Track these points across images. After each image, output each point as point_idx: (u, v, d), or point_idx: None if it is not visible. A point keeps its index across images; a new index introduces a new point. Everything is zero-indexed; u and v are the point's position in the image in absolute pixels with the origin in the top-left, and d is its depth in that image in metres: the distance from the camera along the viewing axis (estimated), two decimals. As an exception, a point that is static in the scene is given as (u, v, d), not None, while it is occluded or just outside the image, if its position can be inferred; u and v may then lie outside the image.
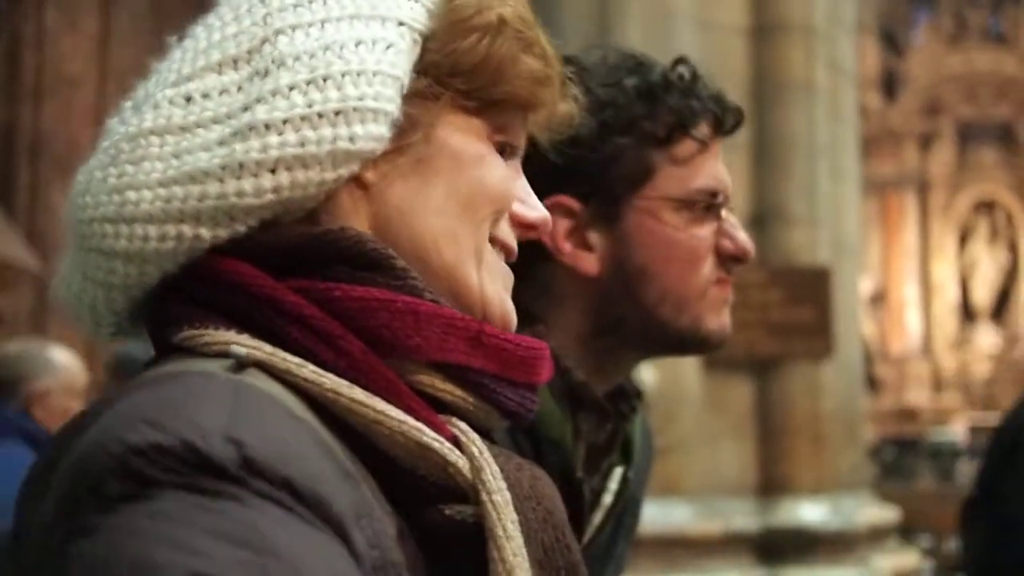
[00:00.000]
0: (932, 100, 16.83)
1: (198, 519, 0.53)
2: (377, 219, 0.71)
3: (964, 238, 17.04)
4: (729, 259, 1.20)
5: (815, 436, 5.54)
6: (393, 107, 0.71)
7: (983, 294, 16.94)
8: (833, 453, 5.37)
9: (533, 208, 0.79)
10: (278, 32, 0.70)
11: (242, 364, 0.63)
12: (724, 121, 1.19)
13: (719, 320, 1.20)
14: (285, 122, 0.68)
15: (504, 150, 0.77)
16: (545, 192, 1.15)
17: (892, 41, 17.25)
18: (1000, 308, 16.98)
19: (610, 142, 1.13)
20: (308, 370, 0.64)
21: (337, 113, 0.69)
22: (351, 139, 0.69)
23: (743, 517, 5.14)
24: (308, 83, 0.69)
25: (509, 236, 0.77)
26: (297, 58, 0.69)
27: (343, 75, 0.69)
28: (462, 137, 0.74)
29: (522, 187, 0.80)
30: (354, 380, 0.65)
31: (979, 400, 15.98)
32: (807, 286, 5.62)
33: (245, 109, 0.69)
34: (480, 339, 0.68)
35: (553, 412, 1.12)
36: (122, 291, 0.72)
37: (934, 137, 16.77)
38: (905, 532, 6.54)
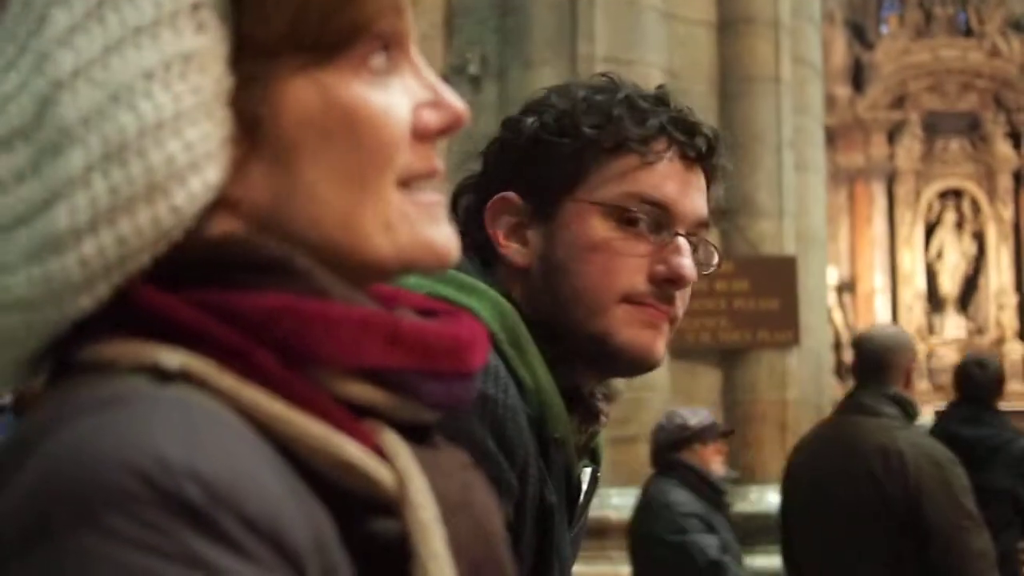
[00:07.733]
0: (900, 92, 16.96)
1: (157, 568, 0.51)
2: (263, 220, 0.65)
3: (932, 228, 17.21)
4: (664, 283, 1.14)
5: (782, 424, 5.60)
6: (212, 143, 0.62)
7: (950, 283, 17.12)
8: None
9: (442, 106, 0.68)
10: (58, 86, 0.60)
11: (170, 377, 0.58)
12: (686, 146, 1.17)
13: (638, 338, 1.14)
14: (94, 223, 0.60)
15: (385, 51, 0.66)
16: (496, 188, 1.18)
17: (860, 33, 17.38)
18: (966, 297, 17.17)
19: (546, 142, 1.16)
20: (228, 379, 0.59)
21: (151, 188, 0.60)
22: (173, 210, 0.61)
23: (711, 504, 5.20)
24: (105, 158, 0.59)
25: (425, 158, 0.68)
26: (85, 122, 0.60)
27: (140, 135, 0.60)
28: (318, 98, 0.64)
29: (421, 86, 0.68)
30: (272, 393, 0.60)
31: (946, 387, 16.14)
32: (773, 276, 5.69)
33: (46, 204, 0.60)
34: (397, 336, 0.64)
35: (562, 412, 1.13)
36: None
37: (902, 128, 16.91)
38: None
